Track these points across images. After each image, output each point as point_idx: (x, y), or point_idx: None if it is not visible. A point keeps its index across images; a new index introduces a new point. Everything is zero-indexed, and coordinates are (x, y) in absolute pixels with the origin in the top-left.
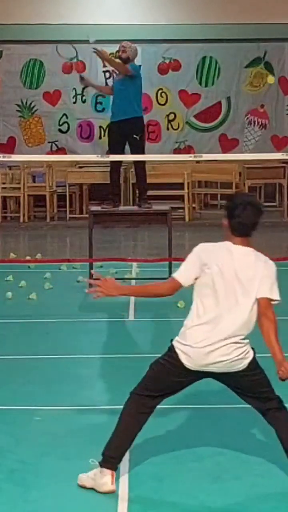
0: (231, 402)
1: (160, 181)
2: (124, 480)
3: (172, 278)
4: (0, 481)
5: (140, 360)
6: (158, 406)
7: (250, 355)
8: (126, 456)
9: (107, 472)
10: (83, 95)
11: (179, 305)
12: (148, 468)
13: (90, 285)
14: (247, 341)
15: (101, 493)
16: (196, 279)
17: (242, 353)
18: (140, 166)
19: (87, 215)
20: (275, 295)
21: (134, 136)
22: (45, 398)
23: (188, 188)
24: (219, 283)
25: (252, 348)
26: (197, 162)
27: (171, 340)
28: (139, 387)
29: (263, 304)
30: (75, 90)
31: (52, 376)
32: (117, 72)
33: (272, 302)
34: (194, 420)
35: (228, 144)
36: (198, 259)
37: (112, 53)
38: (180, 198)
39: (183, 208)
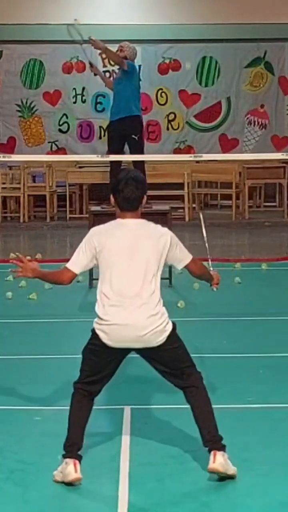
0: (231, 402)
1: (160, 181)
2: (124, 480)
3: (66, 268)
4: (0, 481)
5: (140, 360)
6: (158, 406)
7: (169, 327)
8: (126, 456)
9: (70, 462)
10: (83, 95)
11: (179, 305)
12: (148, 468)
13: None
14: (162, 313)
15: (67, 483)
16: (90, 263)
17: (159, 325)
18: (139, 166)
19: (87, 215)
20: (188, 256)
21: (133, 136)
22: (45, 398)
23: (188, 188)
24: (119, 259)
25: (173, 322)
26: (197, 162)
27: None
28: (81, 376)
29: (192, 266)
30: (75, 90)
31: (52, 376)
32: (114, 66)
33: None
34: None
35: (228, 144)
36: (89, 245)
37: None
38: (180, 198)
39: (183, 208)
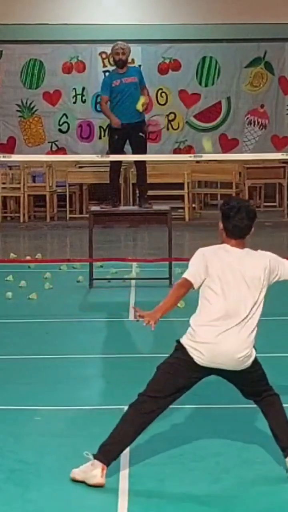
0: (231, 402)
1: (160, 181)
2: (124, 480)
3: (185, 280)
4: (0, 481)
5: (140, 360)
6: None
7: (254, 353)
8: (126, 456)
9: (98, 465)
10: (83, 95)
11: (179, 305)
12: (148, 468)
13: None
14: (253, 340)
15: (90, 485)
16: (203, 277)
17: (249, 351)
18: (141, 166)
19: (87, 215)
20: None
21: (140, 134)
22: (45, 398)
23: (188, 188)
24: (223, 282)
25: (253, 347)
26: (197, 162)
27: (177, 341)
28: (148, 389)
29: None
30: (75, 90)
31: (52, 376)
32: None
33: None
34: (194, 420)
35: (228, 144)
36: (203, 261)
37: (106, 52)
38: (180, 198)
39: (183, 208)
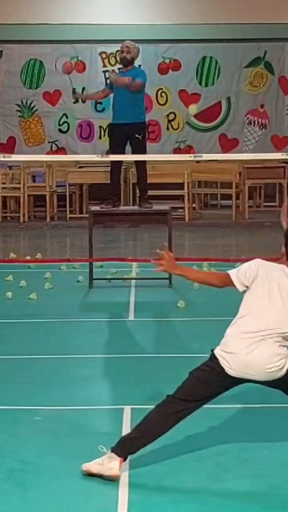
0: (232, 402)
1: (160, 181)
2: (124, 480)
3: (229, 276)
4: (0, 481)
5: (140, 360)
6: None
7: (287, 364)
8: None
9: (116, 458)
10: None
11: (179, 305)
12: (148, 468)
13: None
14: (286, 352)
15: (106, 477)
16: (246, 287)
17: (281, 364)
18: (141, 166)
19: (87, 215)
20: None
21: (137, 136)
22: (45, 398)
23: (188, 188)
24: (270, 296)
25: None
26: (197, 162)
27: (212, 350)
28: (178, 392)
29: None
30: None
31: (52, 376)
32: (114, 66)
33: None
34: (195, 420)
35: (228, 144)
36: (251, 271)
37: (112, 53)
38: (180, 198)
39: (183, 208)
